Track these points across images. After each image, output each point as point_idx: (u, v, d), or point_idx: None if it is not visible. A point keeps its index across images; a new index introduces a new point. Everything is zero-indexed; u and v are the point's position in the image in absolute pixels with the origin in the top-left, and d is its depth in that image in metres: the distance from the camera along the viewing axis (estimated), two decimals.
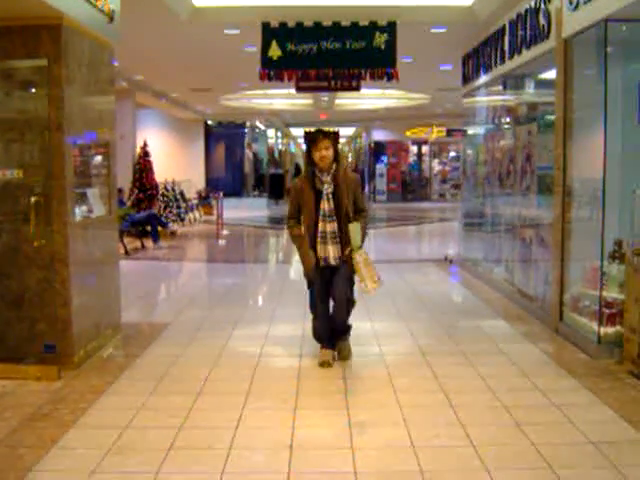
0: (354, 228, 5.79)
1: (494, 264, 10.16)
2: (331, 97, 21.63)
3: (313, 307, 6.19)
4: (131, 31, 8.00)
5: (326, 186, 5.86)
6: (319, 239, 5.88)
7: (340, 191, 5.85)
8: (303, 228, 5.95)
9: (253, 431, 4.60)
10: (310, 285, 6.12)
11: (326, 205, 5.85)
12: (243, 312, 8.42)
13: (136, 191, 16.49)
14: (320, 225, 5.86)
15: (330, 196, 5.85)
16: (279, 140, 42.48)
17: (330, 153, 5.81)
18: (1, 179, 5.92)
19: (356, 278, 5.96)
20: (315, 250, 5.92)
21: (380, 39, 9.86)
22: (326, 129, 5.99)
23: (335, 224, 5.86)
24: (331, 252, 5.88)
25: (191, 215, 20.67)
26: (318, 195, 5.87)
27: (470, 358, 6.25)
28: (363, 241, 5.93)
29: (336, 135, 5.91)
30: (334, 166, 5.90)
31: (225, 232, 17.88)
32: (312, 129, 6.05)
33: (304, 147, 6.11)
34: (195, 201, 22.01)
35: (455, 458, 4.18)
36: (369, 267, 5.83)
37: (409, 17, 9.84)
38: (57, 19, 5.71)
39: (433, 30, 10.68)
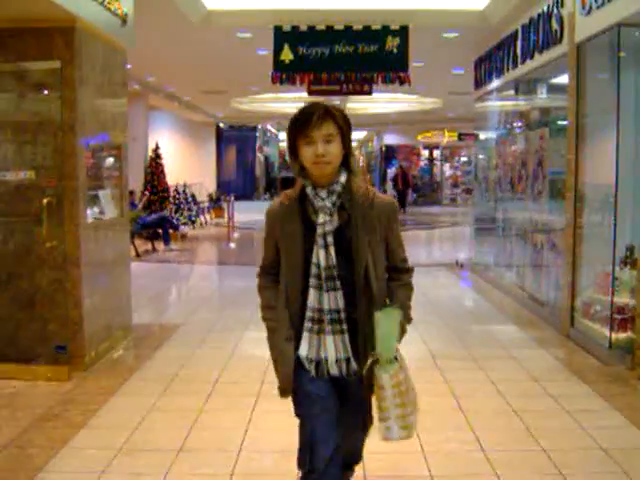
0: (388, 320, 2.90)
1: (505, 269, 10.14)
2: (343, 101, 21.62)
3: (304, 459, 3.00)
4: (144, 34, 8.02)
5: (323, 217, 2.88)
6: (307, 322, 2.94)
7: (354, 230, 2.90)
8: (280, 296, 3.05)
9: (263, 433, 4.60)
10: (298, 409, 3.08)
11: (323, 256, 2.88)
12: (254, 314, 8.36)
13: (148, 193, 16.54)
14: (311, 294, 2.92)
15: (330, 239, 2.88)
16: None
17: (334, 150, 2.86)
18: (14, 180, 5.95)
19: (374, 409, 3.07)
20: (298, 343, 2.99)
21: (392, 43, 9.86)
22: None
23: (339, 294, 2.90)
24: (331, 350, 2.93)
25: (202, 218, 20.71)
26: (310, 234, 2.91)
27: (480, 363, 6.23)
28: (402, 336, 3.06)
29: (345, 118, 2.95)
30: (342, 177, 2.92)
31: (236, 235, 17.89)
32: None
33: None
34: (206, 204, 22.06)
35: (465, 463, 4.16)
36: (403, 398, 2.97)
37: (421, 21, 9.83)
38: (70, 22, 5.74)
39: (445, 34, 10.67)
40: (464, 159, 32.10)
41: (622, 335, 6.23)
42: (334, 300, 2.89)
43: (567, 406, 5.07)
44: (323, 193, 2.88)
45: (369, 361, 2.90)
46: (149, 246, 14.93)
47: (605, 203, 6.65)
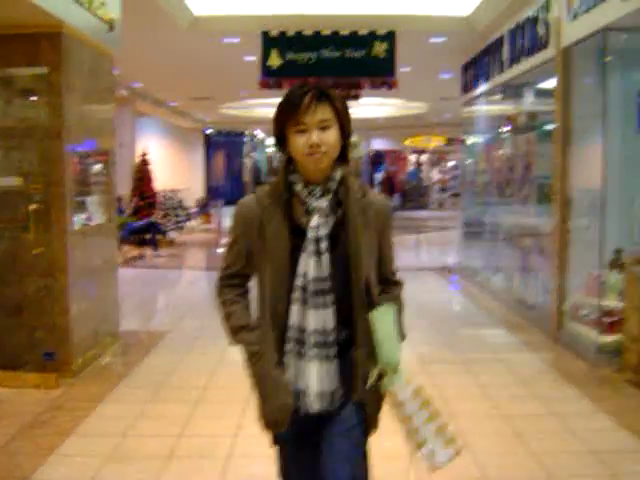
0: (385, 318, 2.44)
1: (493, 273, 10.17)
2: None
3: None
4: (131, 39, 8.01)
5: (316, 220, 2.39)
6: (287, 343, 2.43)
7: (353, 231, 2.43)
8: (259, 313, 2.49)
9: (252, 439, 4.57)
10: (275, 441, 2.62)
11: (313, 265, 2.38)
12: None
13: (135, 199, 16.50)
14: (293, 310, 2.40)
15: (324, 245, 2.38)
16: None
17: (331, 139, 2.37)
18: (1, 187, 5.92)
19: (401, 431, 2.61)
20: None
21: (379, 48, 9.90)
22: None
23: (329, 313, 2.38)
24: (314, 380, 2.39)
25: (190, 223, 20.67)
26: (296, 239, 2.41)
27: (469, 367, 6.24)
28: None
29: (343, 100, 2.47)
30: (338, 173, 2.44)
31: (224, 240, 17.87)
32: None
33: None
34: (194, 209, 22.02)
35: (454, 467, 4.14)
36: (430, 406, 2.61)
37: (408, 26, 9.87)
38: (57, 27, 5.72)
39: (432, 40, 10.71)
40: (452, 163, 32.19)
41: (610, 338, 6.25)
42: (321, 319, 2.36)
43: (556, 409, 5.09)
44: (318, 191, 2.39)
45: (374, 374, 2.42)
46: (137, 252, 14.90)
47: (592, 207, 6.68)
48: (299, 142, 2.34)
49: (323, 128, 2.34)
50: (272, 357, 2.43)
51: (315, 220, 2.37)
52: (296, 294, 2.38)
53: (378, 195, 2.57)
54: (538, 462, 4.17)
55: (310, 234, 2.37)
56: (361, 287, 2.40)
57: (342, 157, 2.45)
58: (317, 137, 2.32)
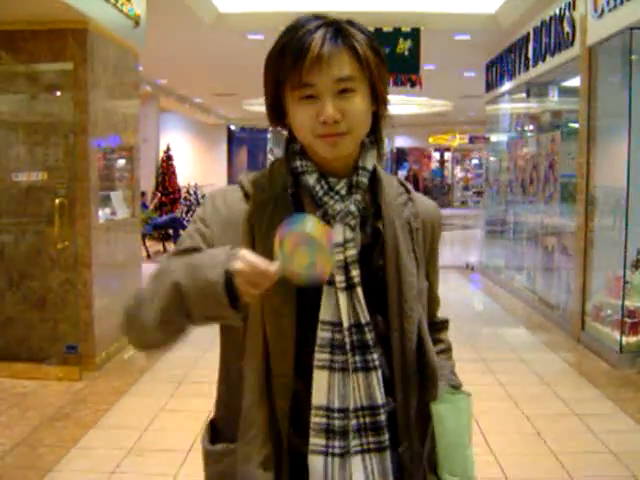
0: (458, 416, 1.59)
1: (516, 272, 10.12)
2: None
3: None
4: (156, 36, 8.05)
5: (342, 233, 1.40)
6: (316, 437, 1.38)
7: (395, 255, 1.47)
8: (247, 374, 1.49)
9: None
10: None
11: (345, 306, 1.39)
12: None
13: (159, 195, 16.59)
14: (319, 382, 1.39)
15: (356, 273, 1.40)
16: None
17: (357, 108, 1.37)
18: (26, 181, 5.98)
19: None
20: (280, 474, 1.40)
21: (404, 45, 9.86)
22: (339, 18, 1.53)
23: (376, 378, 1.41)
24: None
25: None
26: None
27: (491, 366, 6.22)
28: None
29: (375, 45, 1.51)
30: (370, 160, 1.46)
31: None
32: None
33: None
34: None
35: (475, 466, 4.15)
36: None
37: (433, 24, 9.83)
38: (83, 23, 5.76)
39: (457, 37, 10.66)
40: (475, 162, 32.06)
41: (633, 339, 6.21)
42: (365, 389, 1.42)
43: (577, 410, 5.06)
44: (341, 187, 1.43)
45: None
46: (160, 247, 14.98)
47: (616, 206, 6.63)
48: (304, 115, 1.39)
49: (343, 91, 1.38)
50: (255, 451, 1.41)
51: (340, 233, 1.41)
52: (321, 355, 1.41)
53: (425, 198, 1.67)
54: (558, 462, 4.15)
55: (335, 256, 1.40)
56: (412, 343, 1.50)
57: (375, 135, 1.53)
58: (334, 107, 1.36)
